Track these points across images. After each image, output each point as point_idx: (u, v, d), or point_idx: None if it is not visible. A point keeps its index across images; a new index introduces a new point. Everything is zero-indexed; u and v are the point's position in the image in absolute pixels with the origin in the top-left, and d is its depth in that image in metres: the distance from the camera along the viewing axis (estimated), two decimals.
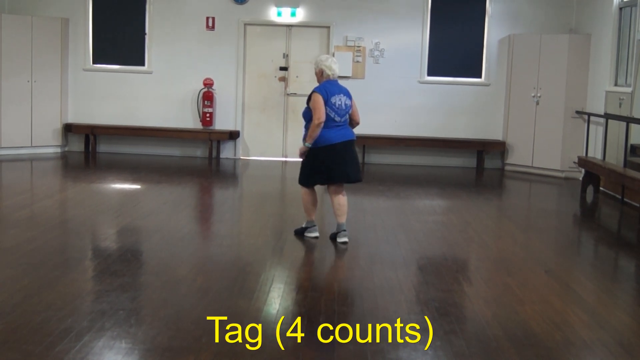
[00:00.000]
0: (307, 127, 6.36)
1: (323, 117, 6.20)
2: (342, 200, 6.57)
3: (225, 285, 5.01)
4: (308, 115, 6.34)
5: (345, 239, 6.45)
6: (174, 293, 4.79)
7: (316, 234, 6.62)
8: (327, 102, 6.26)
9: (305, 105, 6.41)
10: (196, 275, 5.32)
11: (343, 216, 6.54)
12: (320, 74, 6.44)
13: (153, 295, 4.77)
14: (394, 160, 12.63)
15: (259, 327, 4.20)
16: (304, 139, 6.36)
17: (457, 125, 12.49)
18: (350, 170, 6.49)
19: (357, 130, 6.61)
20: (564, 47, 11.31)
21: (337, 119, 6.34)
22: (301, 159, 6.54)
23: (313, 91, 6.32)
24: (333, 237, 6.56)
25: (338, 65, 6.49)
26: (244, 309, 4.52)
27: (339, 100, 6.34)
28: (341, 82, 6.42)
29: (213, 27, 12.48)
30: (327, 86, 6.36)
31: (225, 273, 5.38)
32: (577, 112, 11.22)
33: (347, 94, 6.45)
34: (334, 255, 6.16)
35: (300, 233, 6.71)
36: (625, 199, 9.09)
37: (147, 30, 12.59)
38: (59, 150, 12.41)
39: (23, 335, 3.95)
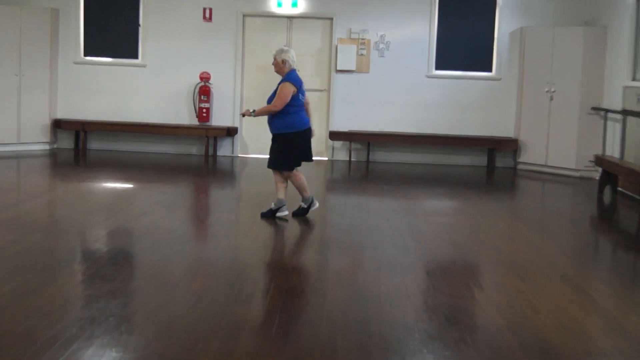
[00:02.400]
0: (274, 114, 7.21)
1: (281, 107, 7.12)
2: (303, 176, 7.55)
3: (222, 291, 4.97)
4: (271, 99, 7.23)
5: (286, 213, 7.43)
6: (168, 298, 4.76)
7: (317, 204, 7.61)
8: (299, 90, 7.22)
9: (273, 93, 7.25)
10: (191, 279, 5.28)
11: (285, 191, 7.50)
12: (282, 64, 7.28)
13: (145, 301, 4.73)
14: (400, 159, 12.59)
15: (258, 334, 4.16)
16: (254, 109, 7.37)
17: (467, 122, 12.45)
18: (311, 150, 7.49)
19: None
20: (578, 40, 11.27)
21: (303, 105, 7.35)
22: (241, 115, 7.61)
23: (285, 80, 7.20)
24: (305, 212, 7.50)
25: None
26: (242, 315, 4.48)
27: (303, 87, 7.33)
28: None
29: (210, 18, 12.46)
30: (295, 76, 7.29)
31: (222, 277, 5.34)
32: (593, 108, 11.18)
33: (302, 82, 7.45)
34: (337, 259, 6.12)
35: (302, 213, 7.50)
36: None
37: (141, 22, 12.56)
38: (47, 147, 12.39)
39: (7, 343, 3.91)
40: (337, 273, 5.68)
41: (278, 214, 7.41)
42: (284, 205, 7.44)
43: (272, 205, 7.46)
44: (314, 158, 7.67)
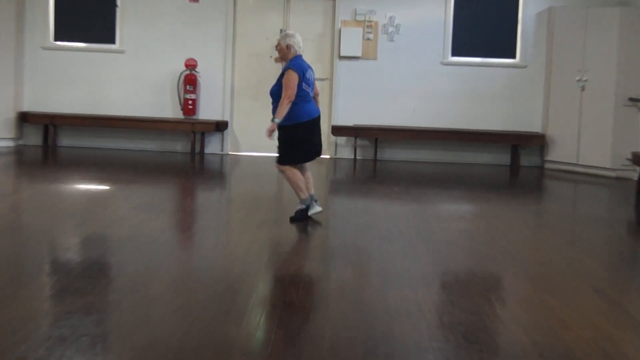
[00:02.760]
0: (276, 105, 7.44)
1: (294, 96, 7.35)
2: (310, 173, 7.86)
3: (209, 307, 4.97)
4: (279, 92, 7.42)
5: (320, 208, 7.74)
6: (148, 315, 4.75)
7: (320, 209, 7.71)
8: (303, 78, 7.45)
9: (277, 82, 7.48)
10: (175, 294, 5.27)
11: (313, 187, 7.86)
12: (287, 49, 7.60)
13: (123, 318, 4.72)
14: (412, 157, 12.60)
15: (250, 356, 4.15)
16: (273, 117, 7.38)
17: (487, 115, 12.46)
18: (320, 143, 7.83)
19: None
20: (614, 22, 11.27)
21: (311, 93, 7.63)
22: (269, 137, 7.47)
23: (288, 68, 7.42)
24: (301, 216, 7.62)
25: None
26: (233, 334, 4.47)
27: (310, 74, 7.60)
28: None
29: None
30: (300, 62, 7.54)
31: (210, 291, 5.33)
32: (631, 99, 11.18)
33: (312, 68, 7.73)
34: (341, 270, 6.12)
35: (300, 218, 7.61)
36: None
37: (118, 2, 12.58)
38: (11, 143, 12.40)
39: None
40: (340, 286, 5.67)
41: (310, 213, 7.72)
42: (314, 200, 7.76)
43: (301, 206, 7.74)
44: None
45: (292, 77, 7.38)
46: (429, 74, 12.51)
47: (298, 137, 7.55)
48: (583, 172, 11.57)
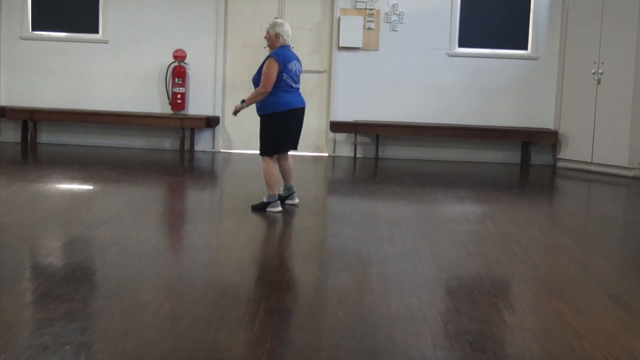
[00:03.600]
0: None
1: (270, 87, 7.78)
2: (291, 164, 8.35)
3: (200, 313, 5.00)
4: (256, 78, 7.93)
5: (297, 200, 8.36)
6: (136, 323, 4.78)
7: (280, 209, 8.04)
8: (284, 69, 7.83)
9: (257, 71, 7.93)
10: (164, 300, 5.30)
11: (293, 178, 8.37)
12: (275, 38, 7.98)
13: (109, 326, 4.76)
14: (416, 155, 12.64)
15: None
16: (243, 99, 7.99)
17: (496, 111, 12.50)
18: (299, 136, 8.28)
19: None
20: (633, 10, 11.29)
21: (294, 85, 8.00)
22: (234, 115, 8.22)
23: (270, 56, 7.85)
24: (263, 207, 8.03)
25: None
26: (225, 343, 4.51)
27: (294, 66, 7.97)
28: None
29: None
30: (285, 52, 7.93)
31: (201, 297, 5.37)
32: None
33: (299, 60, 8.12)
34: (340, 275, 6.15)
35: (261, 208, 8.03)
36: None
37: None
38: None
39: None
40: (339, 292, 5.71)
41: (288, 202, 8.33)
42: (292, 193, 8.38)
43: (281, 193, 8.27)
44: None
45: (272, 66, 7.80)
46: (435, 66, 12.53)
47: (277, 127, 7.94)
48: (598, 171, 11.60)
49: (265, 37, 8.14)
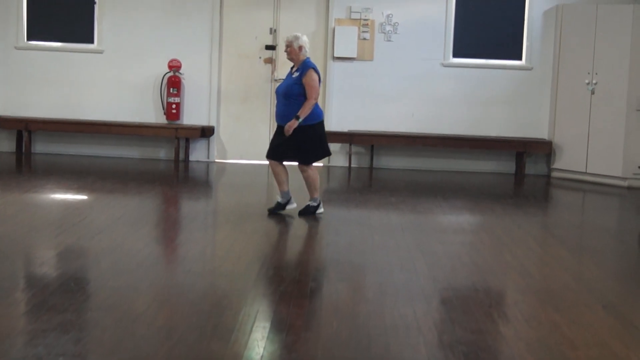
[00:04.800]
0: (291, 104, 8.11)
1: (317, 98, 8.18)
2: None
3: (194, 324, 4.99)
4: (296, 90, 8.10)
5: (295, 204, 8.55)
6: (130, 333, 4.77)
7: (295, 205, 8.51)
8: (320, 80, 8.22)
9: (291, 81, 8.17)
10: (158, 310, 5.29)
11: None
12: (299, 50, 8.21)
13: (103, 337, 4.75)
14: (411, 165, 12.64)
15: None
16: (297, 115, 8.05)
17: (491, 121, 12.52)
18: None
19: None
20: (627, 20, 11.34)
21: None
22: (288, 134, 8.13)
23: (310, 68, 8.13)
24: (312, 212, 8.46)
25: None
26: (219, 354, 4.50)
27: None
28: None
29: None
30: (314, 64, 8.30)
31: (195, 308, 5.36)
32: None
33: None
34: (334, 285, 6.15)
35: (312, 212, 8.44)
36: None
37: None
38: None
39: None
40: (333, 302, 5.70)
41: (289, 207, 8.49)
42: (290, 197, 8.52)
43: (280, 199, 8.48)
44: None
45: (315, 78, 8.16)
46: (429, 77, 12.55)
47: (321, 134, 8.37)
48: (592, 182, 11.61)
49: (286, 51, 8.32)
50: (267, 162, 8.60)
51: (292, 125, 8.06)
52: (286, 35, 8.51)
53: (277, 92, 8.40)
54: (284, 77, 12.41)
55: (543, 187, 11.62)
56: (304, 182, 8.46)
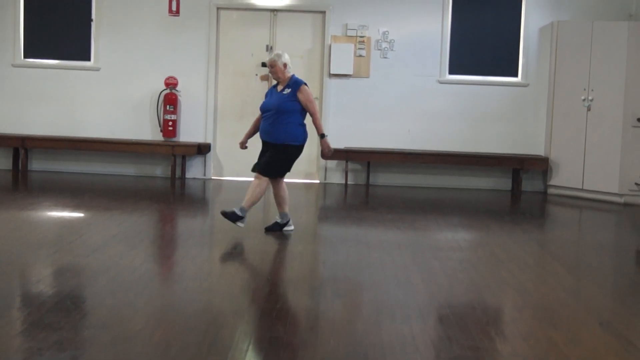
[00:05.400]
0: (282, 121, 8.11)
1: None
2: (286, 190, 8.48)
3: (191, 341, 4.98)
4: (290, 106, 8.09)
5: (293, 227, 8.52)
6: (126, 351, 4.76)
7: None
8: None
9: (283, 97, 8.10)
10: (154, 328, 5.29)
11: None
12: (284, 68, 8.17)
13: (99, 355, 4.74)
14: (407, 181, 12.65)
15: None
16: (321, 132, 8.26)
17: (487, 137, 12.54)
18: None
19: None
20: (622, 37, 11.38)
21: None
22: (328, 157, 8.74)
23: (302, 83, 8.14)
24: (280, 228, 8.38)
25: None
26: None
27: None
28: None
29: (177, 11, 12.55)
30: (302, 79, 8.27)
31: (192, 325, 5.35)
32: None
33: None
34: (331, 303, 6.14)
35: (280, 228, 8.37)
36: None
37: (93, 16, 12.64)
38: None
39: None
40: (330, 320, 5.70)
41: (287, 229, 8.46)
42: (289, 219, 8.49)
43: (279, 219, 8.46)
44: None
45: (311, 92, 8.24)
46: (425, 93, 12.58)
47: (295, 157, 8.30)
48: (589, 198, 11.62)
49: (271, 72, 8.30)
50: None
51: (326, 144, 8.27)
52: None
53: (266, 108, 8.28)
54: None
55: (539, 203, 11.63)
56: (298, 200, 8.54)
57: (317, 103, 12.49)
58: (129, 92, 12.64)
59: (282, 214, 8.37)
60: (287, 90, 8.15)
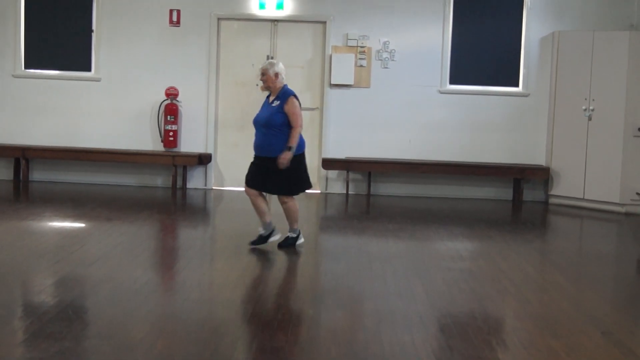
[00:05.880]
0: (272, 134, 7.84)
1: (302, 126, 7.91)
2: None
3: (192, 351, 4.99)
4: (278, 119, 7.82)
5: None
6: None
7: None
8: (300, 106, 7.96)
9: (272, 110, 7.86)
10: (156, 338, 5.29)
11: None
12: (275, 77, 7.96)
13: None
14: (408, 191, 12.66)
15: None
16: (288, 146, 7.77)
17: (488, 147, 12.55)
18: None
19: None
20: (623, 47, 11.40)
21: None
22: (282, 168, 7.82)
23: (290, 95, 7.89)
24: (292, 244, 8.20)
25: None
26: None
27: None
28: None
29: (178, 22, 12.58)
30: (293, 91, 8.03)
31: (193, 335, 5.36)
32: None
33: None
34: (332, 313, 6.15)
35: (292, 244, 8.18)
36: None
37: (94, 27, 12.67)
38: None
39: None
40: (331, 330, 5.70)
41: (272, 239, 8.22)
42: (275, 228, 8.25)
43: (262, 231, 8.21)
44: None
45: (297, 105, 7.92)
46: (426, 103, 12.60)
47: (304, 165, 8.11)
48: (590, 208, 11.63)
49: (262, 79, 8.05)
50: None
51: (286, 157, 7.75)
52: (283, 62, 8.50)
53: (257, 122, 8.02)
54: None
55: (541, 213, 11.63)
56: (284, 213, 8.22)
57: (316, 113, 12.53)
58: (130, 102, 12.67)
59: (264, 224, 8.14)
60: (276, 103, 7.92)
